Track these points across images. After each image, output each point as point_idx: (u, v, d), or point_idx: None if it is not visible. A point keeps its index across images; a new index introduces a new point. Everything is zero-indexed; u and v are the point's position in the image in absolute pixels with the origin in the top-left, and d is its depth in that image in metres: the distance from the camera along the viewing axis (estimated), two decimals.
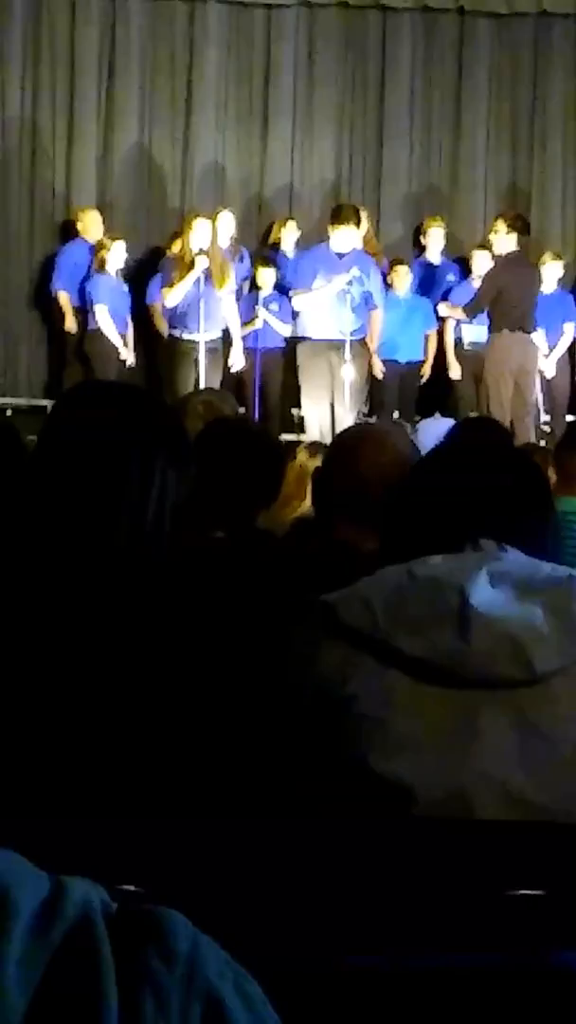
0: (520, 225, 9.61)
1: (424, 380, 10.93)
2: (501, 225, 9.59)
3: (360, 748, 1.67)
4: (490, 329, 9.49)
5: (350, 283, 9.17)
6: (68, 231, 11.21)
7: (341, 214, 9.50)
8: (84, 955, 0.67)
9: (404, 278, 10.77)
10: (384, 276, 10.32)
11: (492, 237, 9.86)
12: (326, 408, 9.25)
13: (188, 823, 1.61)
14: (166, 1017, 0.67)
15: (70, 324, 10.63)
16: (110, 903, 0.71)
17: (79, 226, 10.95)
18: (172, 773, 1.82)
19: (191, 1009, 0.68)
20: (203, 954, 0.71)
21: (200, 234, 9.51)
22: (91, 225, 10.85)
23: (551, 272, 10.62)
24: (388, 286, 10.49)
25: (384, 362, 10.36)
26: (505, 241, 9.52)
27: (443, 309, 10.47)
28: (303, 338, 9.47)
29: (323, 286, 9.21)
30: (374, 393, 10.38)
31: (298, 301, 9.48)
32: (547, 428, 10.23)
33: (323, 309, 9.27)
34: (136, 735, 1.84)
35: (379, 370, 10.25)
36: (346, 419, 8.82)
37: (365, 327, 9.46)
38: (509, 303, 9.28)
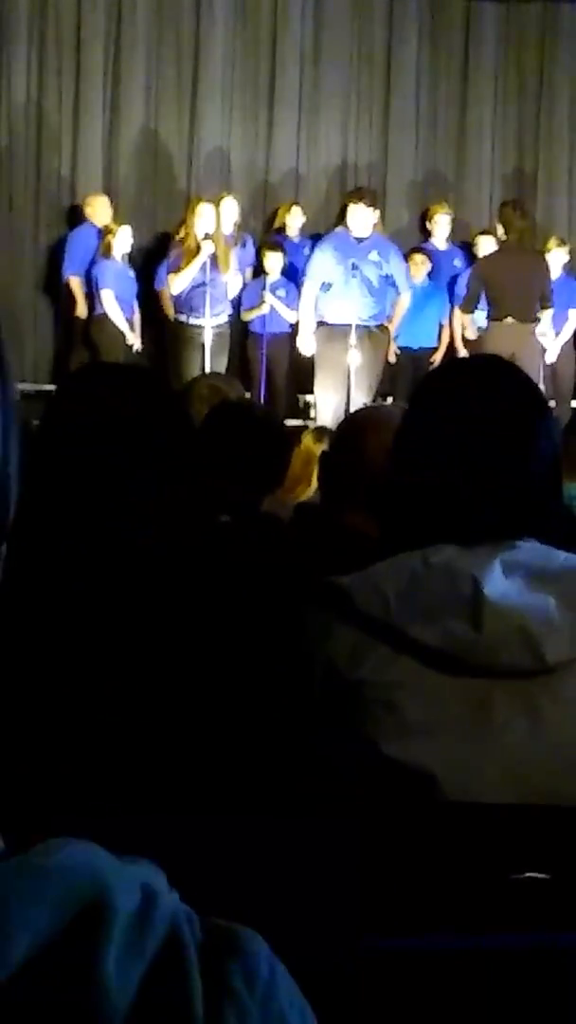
0: (515, 211, 9.74)
1: (435, 367, 10.94)
2: (500, 215, 9.90)
3: (370, 733, 1.67)
4: (488, 318, 9.57)
5: (355, 268, 9.11)
6: (74, 216, 11.17)
7: (360, 193, 9.46)
8: (176, 970, 0.69)
9: (421, 266, 10.84)
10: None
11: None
12: (341, 394, 9.16)
13: (198, 817, 1.60)
14: None
15: (81, 310, 10.51)
16: (192, 913, 0.73)
17: (87, 211, 10.88)
18: (178, 762, 1.81)
19: None
20: (279, 980, 0.73)
21: (204, 219, 9.49)
22: (99, 210, 10.79)
23: (555, 259, 10.62)
24: None
25: (398, 348, 10.38)
26: (500, 231, 9.78)
27: (457, 324, 10.63)
28: (320, 323, 9.35)
29: (347, 280, 9.13)
30: (386, 379, 10.36)
31: (312, 293, 9.38)
32: None
33: (341, 294, 9.21)
34: (142, 722, 1.83)
35: (393, 352, 10.22)
36: (359, 405, 8.77)
37: (383, 313, 9.41)
38: (496, 294, 9.40)
